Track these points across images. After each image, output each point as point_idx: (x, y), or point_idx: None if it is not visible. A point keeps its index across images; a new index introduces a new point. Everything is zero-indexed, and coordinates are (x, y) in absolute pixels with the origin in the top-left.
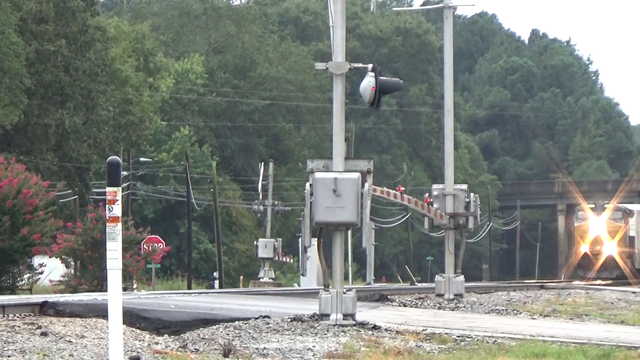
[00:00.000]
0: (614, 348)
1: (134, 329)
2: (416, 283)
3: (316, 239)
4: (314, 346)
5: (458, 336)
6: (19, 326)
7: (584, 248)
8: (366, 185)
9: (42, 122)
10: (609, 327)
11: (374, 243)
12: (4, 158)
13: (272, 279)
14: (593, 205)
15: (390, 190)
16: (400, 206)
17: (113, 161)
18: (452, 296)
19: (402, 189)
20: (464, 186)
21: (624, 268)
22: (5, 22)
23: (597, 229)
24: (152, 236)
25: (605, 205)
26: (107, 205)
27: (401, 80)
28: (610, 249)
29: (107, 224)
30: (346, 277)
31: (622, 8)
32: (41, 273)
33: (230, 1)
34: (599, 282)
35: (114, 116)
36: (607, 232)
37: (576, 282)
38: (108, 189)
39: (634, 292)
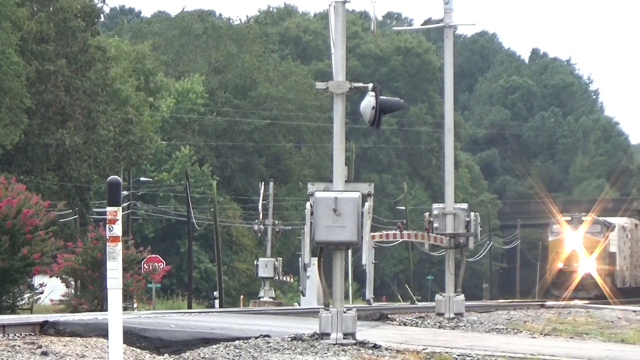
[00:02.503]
0: None
1: (134, 349)
2: (416, 302)
3: (316, 258)
4: None
5: (458, 355)
6: (19, 346)
7: (558, 265)
8: (366, 204)
9: (43, 141)
10: (609, 345)
11: (374, 262)
12: (4, 178)
13: (273, 298)
14: (569, 218)
15: (389, 232)
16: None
17: (113, 181)
18: (452, 315)
19: (401, 225)
20: (465, 205)
21: (603, 287)
22: (6, 41)
23: (573, 244)
24: (153, 256)
25: (583, 218)
26: (107, 225)
27: (401, 100)
28: (588, 266)
29: (108, 244)
30: (346, 296)
31: (622, 27)
32: (41, 293)
33: (231, 21)
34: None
35: (115, 136)
36: (584, 247)
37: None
38: (108, 209)
39: (634, 311)
